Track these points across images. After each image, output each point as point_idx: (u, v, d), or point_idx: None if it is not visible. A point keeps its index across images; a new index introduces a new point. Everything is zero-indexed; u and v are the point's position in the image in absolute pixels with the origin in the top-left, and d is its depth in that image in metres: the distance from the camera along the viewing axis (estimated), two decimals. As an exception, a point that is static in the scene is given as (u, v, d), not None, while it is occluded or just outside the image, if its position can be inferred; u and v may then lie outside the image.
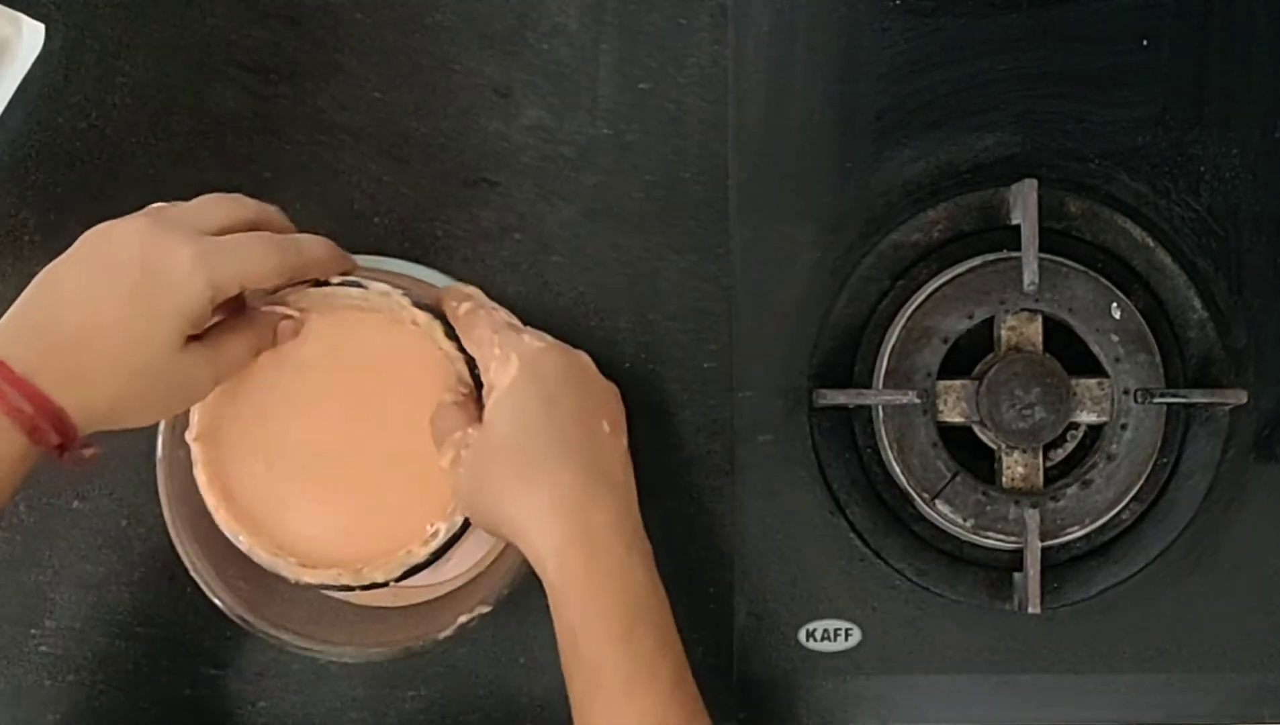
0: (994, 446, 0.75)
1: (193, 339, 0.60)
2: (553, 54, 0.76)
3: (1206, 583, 0.77)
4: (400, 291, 0.65)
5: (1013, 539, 0.74)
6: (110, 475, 0.75)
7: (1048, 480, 0.76)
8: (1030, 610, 0.73)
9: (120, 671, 0.76)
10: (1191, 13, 0.77)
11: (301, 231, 0.66)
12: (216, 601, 0.69)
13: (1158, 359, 0.74)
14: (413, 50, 0.76)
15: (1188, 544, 0.77)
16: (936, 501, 0.74)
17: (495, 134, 0.76)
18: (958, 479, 0.73)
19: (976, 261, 0.75)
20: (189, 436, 0.66)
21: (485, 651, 0.76)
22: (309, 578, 0.67)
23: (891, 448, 0.74)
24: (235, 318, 0.64)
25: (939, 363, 0.74)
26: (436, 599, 0.74)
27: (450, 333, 0.66)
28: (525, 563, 0.64)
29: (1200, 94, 0.77)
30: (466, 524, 0.66)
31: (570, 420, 0.63)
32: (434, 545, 0.66)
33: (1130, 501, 0.75)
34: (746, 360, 0.76)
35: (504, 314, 0.67)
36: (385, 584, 0.66)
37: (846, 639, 0.77)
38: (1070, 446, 0.77)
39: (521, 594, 0.71)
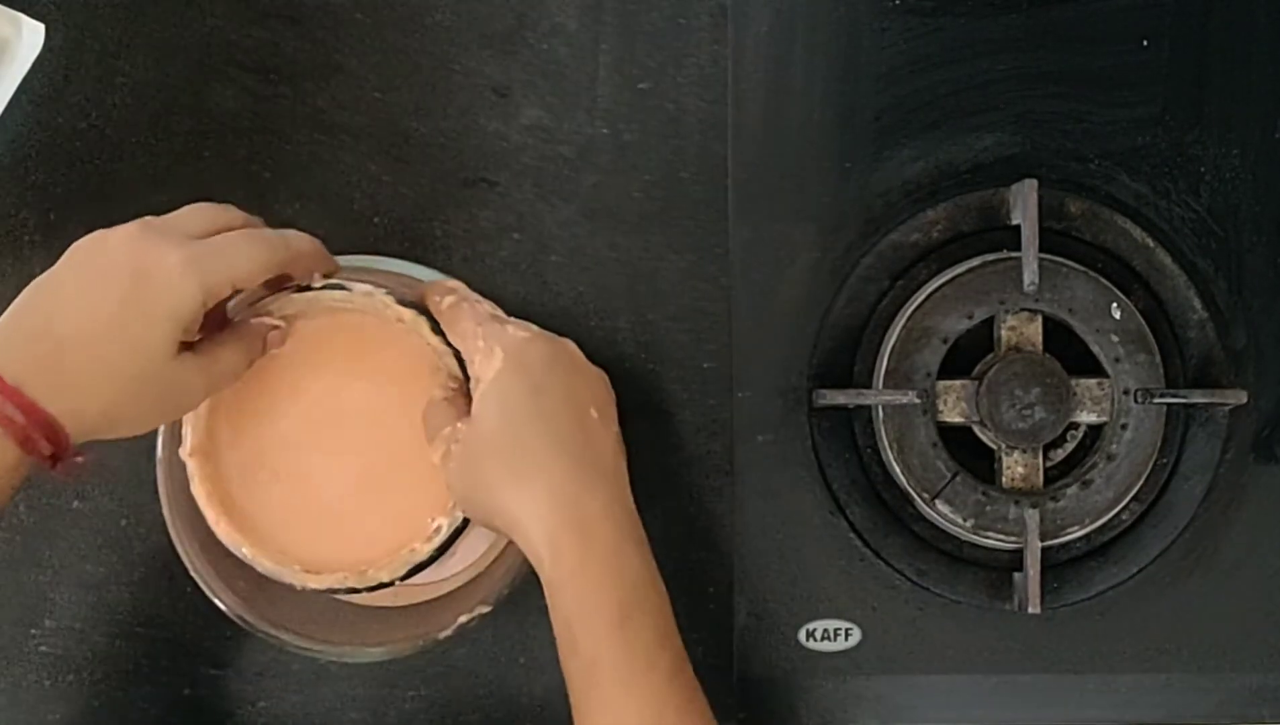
0: (994, 446, 0.75)
1: (185, 349, 0.60)
2: (552, 54, 0.76)
3: (1206, 583, 0.77)
4: (384, 290, 0.65)
5: (1013, 539, 0.74)
6: (110, 475, 0.75)
7: (1048, 480, 0.75)
8: (1030, 610, 0.73)
9: (120, 671, 0.76)
10: (1191, 13, 0.77)
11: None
12: (217, 602, 0.69)
13: (1158, 359, 0.74)
14: (412, 50, 0.76)
15: (1187, 544, 0.77)
16: (936, 501, 0.74)
17: (494, 134, 0.76)
18: (958, 479, 0.73)
19: (976, 261, 0.75)
20: (183, 452, 0.66)
21: (485, 651, 0.76)
22: (314, 583, 0.66)
23: (891, 448, 0.74)
24: (225, 330, 0.64)
25: (939, 363, 0.74)
26: (436, 599, 0.74)
27: (437, 328, 0.66)
28: (525, 563, 0.64)
29: (1200, 94, 0.77)
30: (468, 518, 0.66)
31: (558, 408, 0.63)
32: (437, 541, 0.66)
33: (1130, 502, 0.75)
34: (746, 360, 0.76)
35: (488, 306, 0.67)
36: (391, 583, 0.66)
37: (846, 639, 0.76)
38: (1070, 446, 0.77)
39: (521, 594, 0.71)
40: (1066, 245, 0.76)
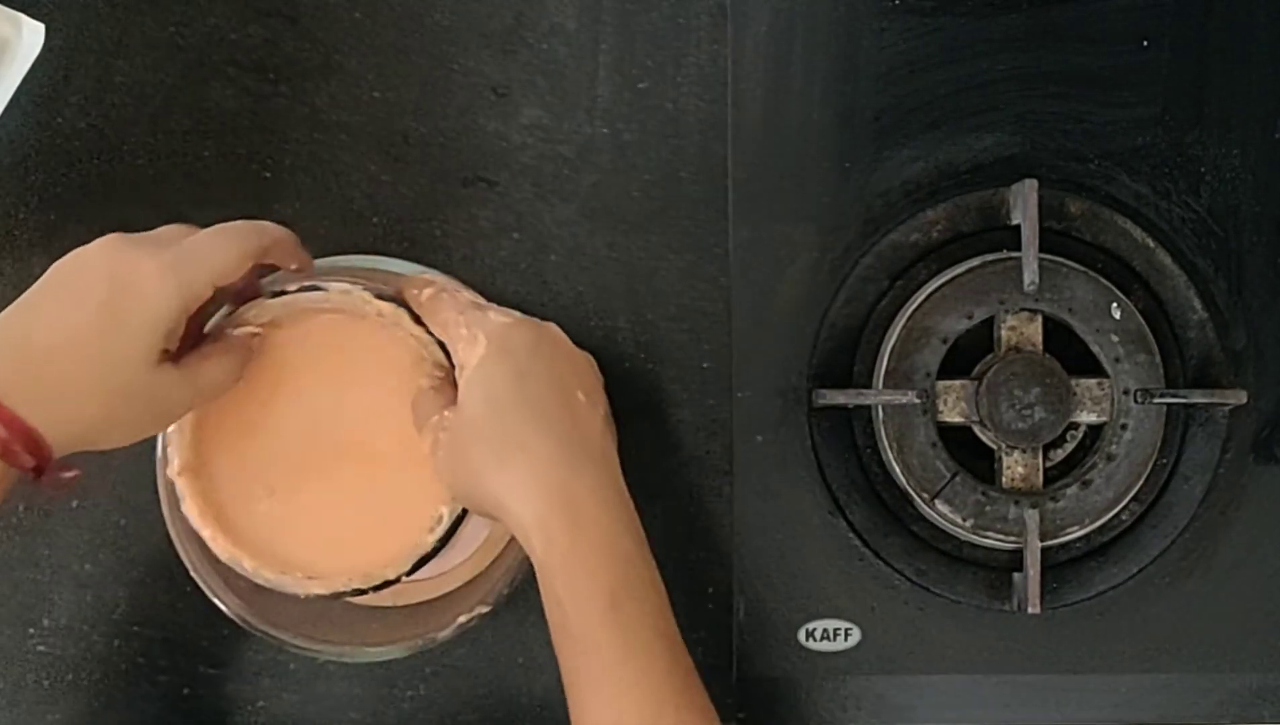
0: (994, 446, 0.75)
1: (168, 361, 0.60)
2: (551, 53, 0.76)
3: (1206, 583, 0.77)
4: (360, 286, 0.65)
5: (1012, 539, 0.74)
6: (110, 475, 0.75)
7: (1047, 480, 0.75)
8: (1030, 610, 0.73)
9: (118, 671, 0.76)
10: (1191, 13, 0.77)
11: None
12: (217, 603, 0.69)
13: (1158, 359, 0.74)
14: (411, 49, 0.76)
15: (1187, 544, 0.77)
16: (936, 501, 0.73)
17: (493, 133, 0.76)
18: (957, 479, 0.73)
19: (976, 262, 0.75)
20: (170, 473, 0.65)
21: (485, 651, 0.76)
22: (319, 588, 0.66)
23: (891, 448, 0.74)
24: (207, 343, 0.64)
25: (939, 363, 0.74)
26: (436, 599, 0.74)
27: (419, 319, 0.66)
28: (525, 562, 0.64)
29: (1200, 94, 0.77)
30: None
31: (543, 392, 0.63)
32: (440, 532, 0.66)
33: (1130, 502, 0.75)
34: (745, 360, 0.76)
35: (468, 294, 0.67)
36: (397, 579, 0.66)
37: (846, 639, 0.76)
38: (1070, 446, 0.77)
39: (521, 594, 0.71)
40: (1066, 245, 0.76)
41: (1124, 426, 0.74)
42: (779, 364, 0.76)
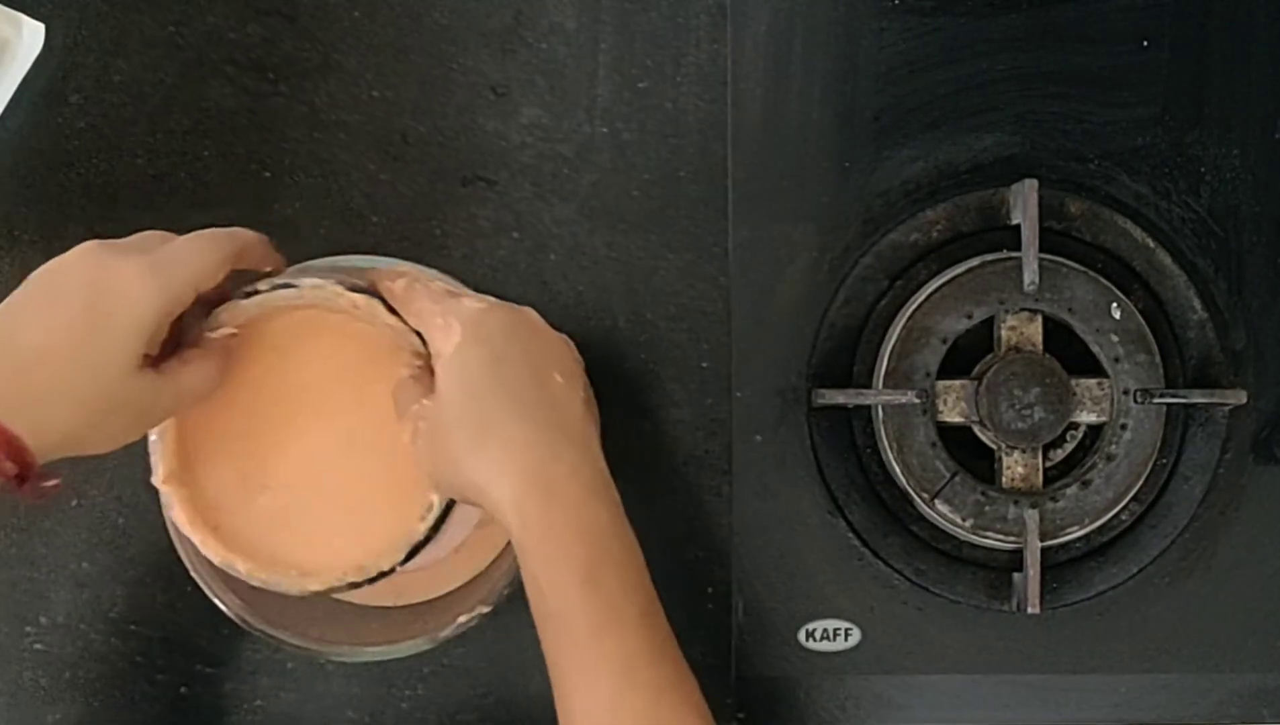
0: (993, 446, 0.75)
1: (148, 366, 0.60)
2: (550, 53, 0.76)
3: (1206, 583, 0.77)
4: (333, 281, 0.64)
5: (1012, 539, 0.74)
6: (107, 474, 0.75)
7: (1047, 480, 0.75)
8: (1030, 610, 0.73)
9: (115, 670, 0.76)
10: (1191, 13, 0.77)
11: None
12: (218, 603, 0.69)
13: (1157, 359, 0.74)
14: (410, 49, 0.76)
15: (1187, 544, 0.77)
16: (936, 501, 0.73)
17: (492, 133, 0.76)
18: (957, 479, 0.73)
19: (976, 261, 0.75)
20: (156, 481, 0.65)
21: (485, 651, 0.76)
22: (315, 585, 0.66)
23: (891, 448, 0.74)
24: (187, 348, 0.63)
25: (938, 363, 0.74)
26: (436, 599, 0.74)
27: (393, 310, 0.65)
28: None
29: (1200, 94, 0.77)
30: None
31: (520, 376, 0.62)
32: (431, 518, 0.65)
33: (1130, 502, 0.75)
34: (744, 360, 0.76)
35: (442, 282, 0.66)
36: (392, 570, 0.66)
37: (846, 639, 0.76)
38: (1070, 447, 0.77)
39: (521, 594, 0.71)
40: (1066, 245, 0.76)
41: (1124, 426, 0.74)
42: (778, 364, 0.76)
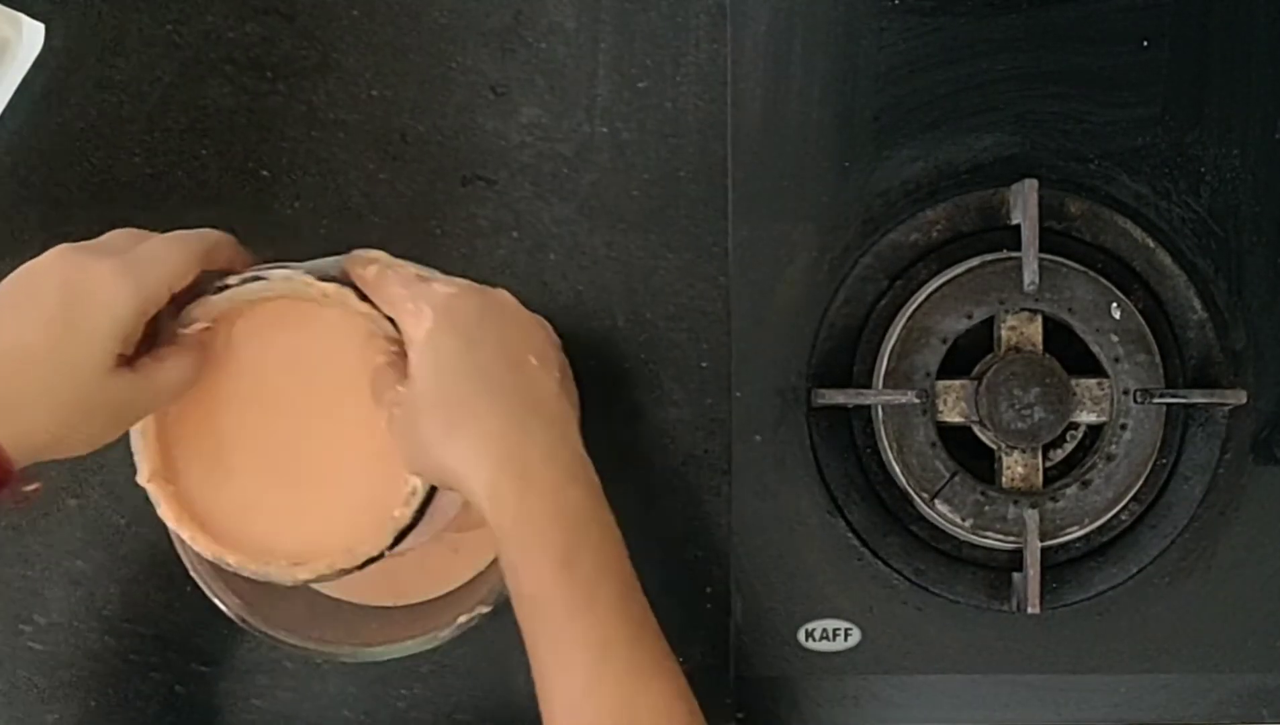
0: (993, 446, 0.75)
1: (124, 366, 0.59)
2: (550, 52, 0.76)
3: (1205, 583, 0.77)
4: (302, 271, 0.64)
5: (1012, 539, 0.74)
6: (102, 472, 0.75)
7: (1047, 480, 0.75)
8: (1029, 610, 0.73)
9: (111, 669, 0.76)
10: (1191, 13, 0.77)
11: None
12: (218, 603, 0.69)
13: (1157, 359, 0.74)
14: (409, 48, 0.76)
15: (1186, 544, 0.77)
16: (935, 501, 0.73)
17: (492, 132, 0.76)
18: (957, 479, 0.73)
19: (976, 261, 0.75)
20: (141, 480, 0.65)
21: (485, 651, 0.76)
22: (304, 574, 0.66)
23: (890, 447, 0.74)
24: (161, 346, 0.63)
25: (938, 363, 0.74)
26: (436, 599, 0.74)
27: (365, 296, 0.64)
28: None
29: (1200, 94, 0.77)
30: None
31: (492, 359, 0.62)
32: (415, 503, 0.65)
33: (1129, 502, 0.75)
34: (744, 359, 0.76)
35: (413, 268, 0.66)
36: (380, 556, 0.66)
37: (845, 639, 0.76)
38: (1070, 446, 0.77)
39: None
40: (1066, 245, 0.76)
41: (1124, 426, 0.74)
42: (778, 363, 0.76)
